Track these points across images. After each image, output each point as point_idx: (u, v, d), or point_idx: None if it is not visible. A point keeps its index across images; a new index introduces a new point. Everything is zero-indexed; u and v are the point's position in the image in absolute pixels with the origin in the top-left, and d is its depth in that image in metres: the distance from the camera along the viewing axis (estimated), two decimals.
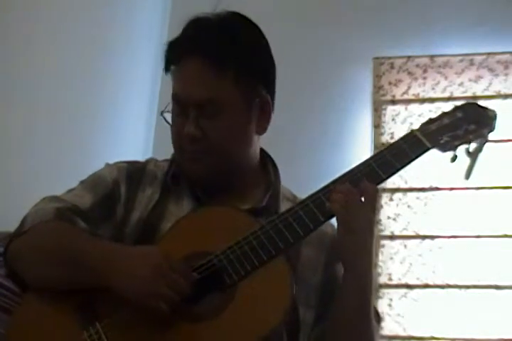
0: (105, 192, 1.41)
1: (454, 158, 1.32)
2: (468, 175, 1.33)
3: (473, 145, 1.33)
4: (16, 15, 2.54)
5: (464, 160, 1.33)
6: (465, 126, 1.32)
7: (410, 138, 1.32)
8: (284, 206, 1.40)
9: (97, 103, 3.13)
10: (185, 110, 1.36)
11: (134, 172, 1.45)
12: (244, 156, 1.41)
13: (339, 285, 1.34)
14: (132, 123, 3.43)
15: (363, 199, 1.28)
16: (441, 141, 1.32)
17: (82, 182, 1.45)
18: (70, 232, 1.34)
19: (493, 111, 1.34)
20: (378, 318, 1.38)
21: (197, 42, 1.36)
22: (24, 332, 1.28)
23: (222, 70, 1.33)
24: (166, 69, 1.41)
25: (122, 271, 1.22)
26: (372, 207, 1.28)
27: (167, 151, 1.58)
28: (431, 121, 1.35)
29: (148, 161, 1.50)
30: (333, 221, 1.31)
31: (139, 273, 1.21)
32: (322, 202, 1.28)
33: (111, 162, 1.50)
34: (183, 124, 1.36)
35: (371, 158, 1.32)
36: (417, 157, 1.31)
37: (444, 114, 1.35)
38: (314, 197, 1.29)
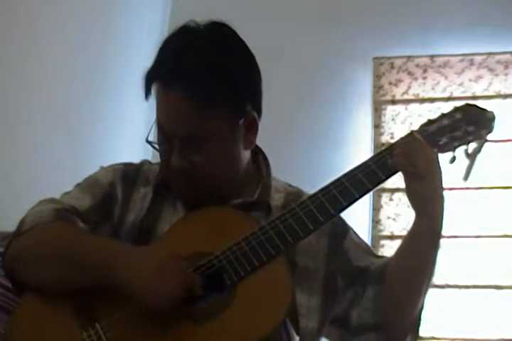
0: (102, 193, 1.41)
1: (452, 160, 1.32)
2: (466, 177, 1.33)
3: (471, 147, 1.33)
4: (16, 15, 2.54)
5: (462, 161, 1.33)
6: (464, 127, 1.32)
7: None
8: (275, 199, 1.40)
9: (96, 104, 3.13)
10: (170, 140, 1.32)
11: (129, 173, 1.45)
12: (235, 173, 1.38)
13: (351, 256, 1.38)
14: (132, 125, 3.43)
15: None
16: (440, 142, 1.32)
17: (77, 185, 1.45)
18: (71, 232, 1.33)
19: (492, 113, 1.34)
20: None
21: (177, 72, 1.29)
22: (23, 332, 1.28)
23: (208, 102, 1.28)
24: (146, 96, 1.35)
25: (127, 267, 1.22)
26: (430, 150, 1.29)
27: None
28: (430, 122, 1.34)
29: (142, 163, 1.50)
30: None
31: (144, 269, 1.20)
32: (322, 202, 1.28)
33: (107, 165, 1.49)
34: (170, 154, 1.32)
35: (371, 159, 1.32)
36: None
37: (443, 115, 1.35)
38: (314, 198, 1.29)
